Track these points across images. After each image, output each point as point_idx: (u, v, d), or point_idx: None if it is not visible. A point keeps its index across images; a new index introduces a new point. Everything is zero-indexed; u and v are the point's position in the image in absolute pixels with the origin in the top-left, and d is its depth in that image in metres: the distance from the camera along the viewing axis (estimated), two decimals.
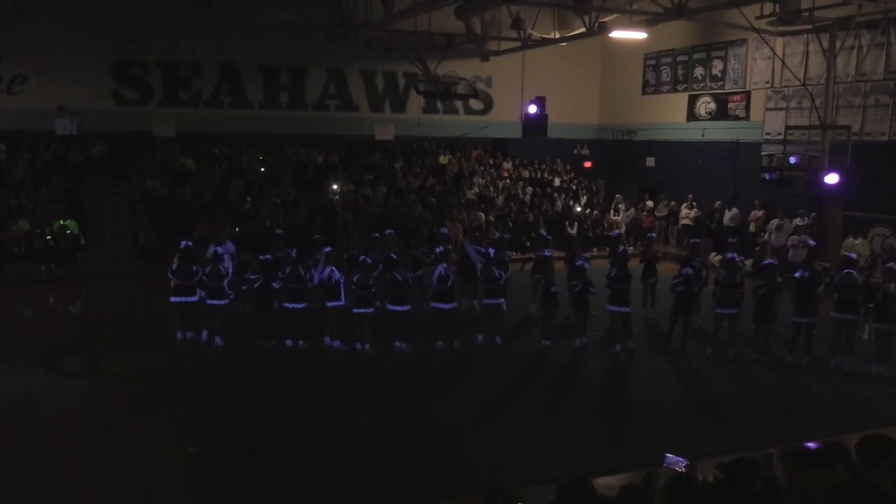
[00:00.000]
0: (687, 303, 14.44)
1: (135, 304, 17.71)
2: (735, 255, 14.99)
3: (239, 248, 16.81)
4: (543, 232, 19.53)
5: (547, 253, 16.62)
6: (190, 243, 15.03)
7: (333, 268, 14.22)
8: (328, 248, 15.22)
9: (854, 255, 14.79)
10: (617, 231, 22.26)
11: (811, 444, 5.49)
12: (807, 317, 13.63)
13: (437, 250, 16.04)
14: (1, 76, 23.57)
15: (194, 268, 14.39)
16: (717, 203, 24.62)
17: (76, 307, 19.12)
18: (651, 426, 10.86)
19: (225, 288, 14.52)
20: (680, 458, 6.28)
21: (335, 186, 25.23)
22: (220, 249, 15.43)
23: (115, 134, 24.63)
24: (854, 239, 19.31)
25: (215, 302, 14.38)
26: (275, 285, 14.40)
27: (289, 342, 14.13)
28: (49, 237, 20.93)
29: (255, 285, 14.43)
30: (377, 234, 17.77)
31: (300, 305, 14.34)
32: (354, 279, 14.01)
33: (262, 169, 25.76)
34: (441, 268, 14.59)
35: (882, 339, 13.42)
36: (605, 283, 14.56)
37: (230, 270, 14.92)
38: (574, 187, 28.76)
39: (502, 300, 15.11)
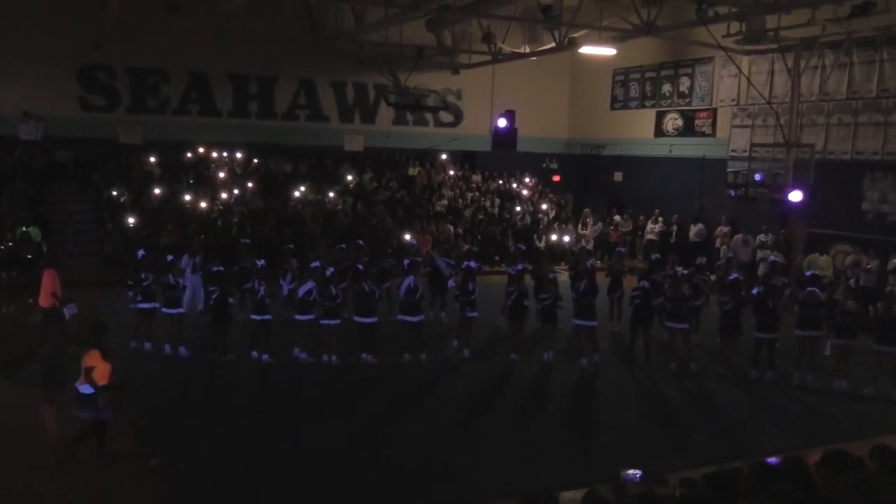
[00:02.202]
0: (645, 315, 14.58)
1: (98, 312, 17.44)
2: (681, 269, 15.23)
3: (205, 258, 16.62)
4: (521, 246, 19.61)
5: (520, 266, 16.68)
6: (143, 252, 14.94)
7: (314, 284, 14.07)
8: (316, 264, 14.90)
9: (811, 273, 15.06)
10: (582, 243, 22.38)
11: (772, 460, 5.55)
12: (768, 332, 13.80)
13: (406, 262, 16.01)
14: None
15: (143, 274, 14.33)
16: (675, 217, 24.94)
17: (37, 315, 18.77)
18: (617, 440, 10.91)
19: (180, 298, 14.37)
20: (636, 472, 6.31)
21: (299, 191, 25.25)
22: (170, 257, 15.23)
23: (80, 140, 24.31)
24: (819, 255, 19.58)
25: (169, 311, 14.26)
26: (231, 300, 14.27)
27: (254, 353, 14.00)
28: (10, 243, 20.59)
29: (213, 297, 14.31)
30: (343, 245, 17.70)
31: (260, 317, 14.12)
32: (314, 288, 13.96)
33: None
34: (409, 280, 14.55)
35: (843, 355, 13.62)
36: (573, 297, 14.64)
37: (181, 281, 14.66)
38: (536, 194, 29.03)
39: (476, 313, 15.17)
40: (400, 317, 14.72)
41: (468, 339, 15.06)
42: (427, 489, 9.24)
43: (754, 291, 14.27)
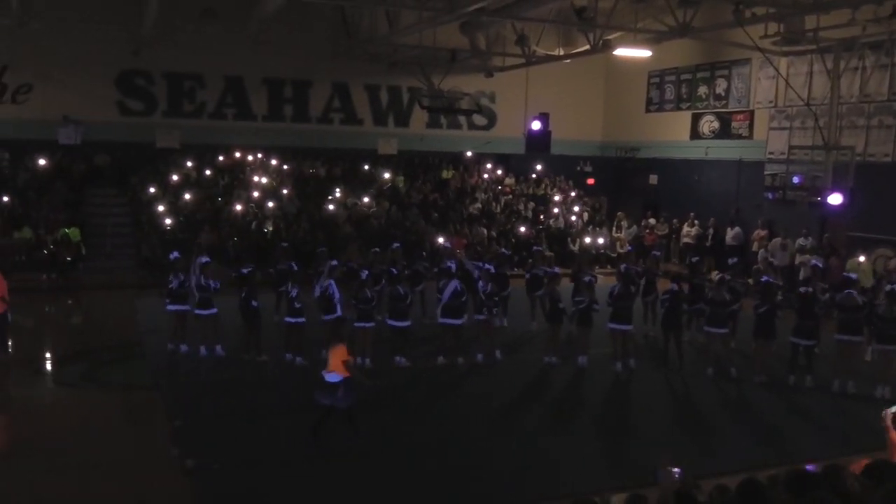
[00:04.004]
0: (675, 318, 14.40)
1: (135, 314, 17.68)
2: (724, 274, 15.03)
3: (230, 263, 16.67)
4: (537, 248, 19.48)
5: (555, 270, 16.59)
6: (178, 255, 15.09)
7: (333, 282, 14.13)
8: (334, 262, 15.07)
9: (854, 276, 14.72)
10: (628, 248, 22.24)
11: (811, 467, 5.44)
12: (806, 338, 13.51)
13: (447, 266, 15.99)
14: (6, 85, 23.62)
15: (170, 277, 14.52)
16: (711, 220, 24.68)
17: (76, 317, 19.09)
18: (651, 444, 10.78)
19: (210, 299, 14.44)
20: (675, 470, 6.16)
21: (333, 194, 25.37)
22: (203, 259, 15.35)
23: (118, 144, 24.71)
24: (859, 260, 19.11)
25: (202, 312, 14.37)
26: (254, 304, 14.30)
27: (287, 355, 14.06)
28: (52, 245, 20.94)
29: (241, 297, 14.38)
30: (377, 249, 17.71)
31: (294, 320, 14.13)
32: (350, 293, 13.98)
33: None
34: (455, 283, 14.54)
35: (885, 361, 13.33)
36: (608, 301, 14.50)
37: (212, 283, 14.67)
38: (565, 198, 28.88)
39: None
40: (443, 320, 14.62)
41: (496, 341, 15.04)
42: (460, 492, 9.21)
43: (803, 290, 13.98)
